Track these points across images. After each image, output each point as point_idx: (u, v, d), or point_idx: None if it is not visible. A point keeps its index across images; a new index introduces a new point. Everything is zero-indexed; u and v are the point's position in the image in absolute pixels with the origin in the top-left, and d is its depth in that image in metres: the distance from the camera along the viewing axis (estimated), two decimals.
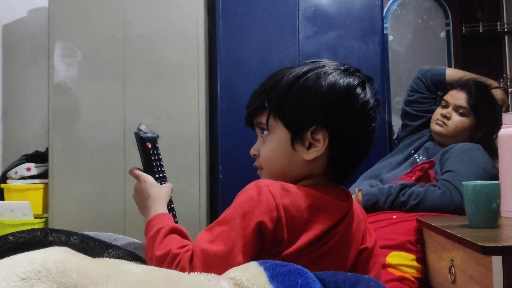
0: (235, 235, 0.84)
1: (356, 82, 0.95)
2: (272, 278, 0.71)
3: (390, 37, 2.95)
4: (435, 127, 2.02)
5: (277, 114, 0.96)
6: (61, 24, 2.67)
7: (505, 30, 3.06)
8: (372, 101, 0.96)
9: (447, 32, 2.96)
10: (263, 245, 0.86)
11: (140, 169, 1.10)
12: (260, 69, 2.50)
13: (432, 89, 2.19)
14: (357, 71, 0.98)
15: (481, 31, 3.06)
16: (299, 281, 0.70)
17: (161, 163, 1.13)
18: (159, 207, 1.03)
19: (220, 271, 0.77)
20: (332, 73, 0.95)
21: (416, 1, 2.99)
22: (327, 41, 2.52)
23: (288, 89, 0.95)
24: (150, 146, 1.10)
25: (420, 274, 1.51)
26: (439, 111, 2.04)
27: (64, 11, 2.67)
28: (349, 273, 0.79)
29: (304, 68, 0.97)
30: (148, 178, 1.07)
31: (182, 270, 0.82)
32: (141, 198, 1.06)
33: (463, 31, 3.00)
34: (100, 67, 2.66)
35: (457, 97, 2.00)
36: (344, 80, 0.94)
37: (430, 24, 2.98)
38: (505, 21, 3.08)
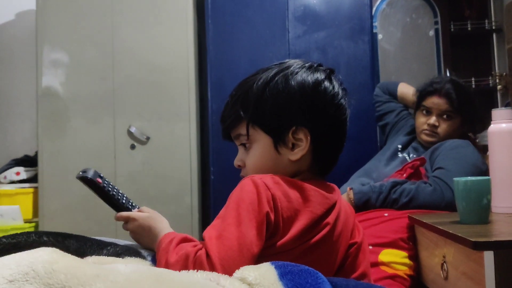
0: (246, 227, 0.84)
1: (322, 77, 0.99)
2: (282, 275, 0.72)
3: (380, 36, 2.96)
4: (424, 137, 2.01)
5: (256, 123, 0.98)
6: (49, 27, 2.64)
7: (493, 27, 3.09)
8: (340, 92, 1.00)
9: (436, 30, 2.98)
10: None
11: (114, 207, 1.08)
12: (250, 69, 2.44)
13: (387, 93, 2.34)
14: (320, 65, 1.03)
15: (469, 29, 3.08)
16: (309, 280, 0.72)
17: (118, 189, 1.09)
18: (165, 230, 1.01)
19: (239, 262, 0.79)
20: (299, 72, 0.99)
21: (405, 0, 3.00)
22: (317, 41, 2.52)
23: (260, 96, 0.98)
24: (100, 181, 1.04)
25: (413, 271, 1.51)
26: (422, 119, 2.03)
27: (52, 14, 2.65)
28: (361, 281, 0.80)
29: (271, 72, 1.00)
30: (138, 214, 1.05)
31: (201, 264, 0.81)
32: (144, 233, 1.03)
33: (452, 29, 3.03)
34: (88, 70, 2.64)
35: (439, 103, 1.99)
36: (311, 77, 0.98)
37: (419, 23, 3.00)
38: (493, 19, 3.10)
